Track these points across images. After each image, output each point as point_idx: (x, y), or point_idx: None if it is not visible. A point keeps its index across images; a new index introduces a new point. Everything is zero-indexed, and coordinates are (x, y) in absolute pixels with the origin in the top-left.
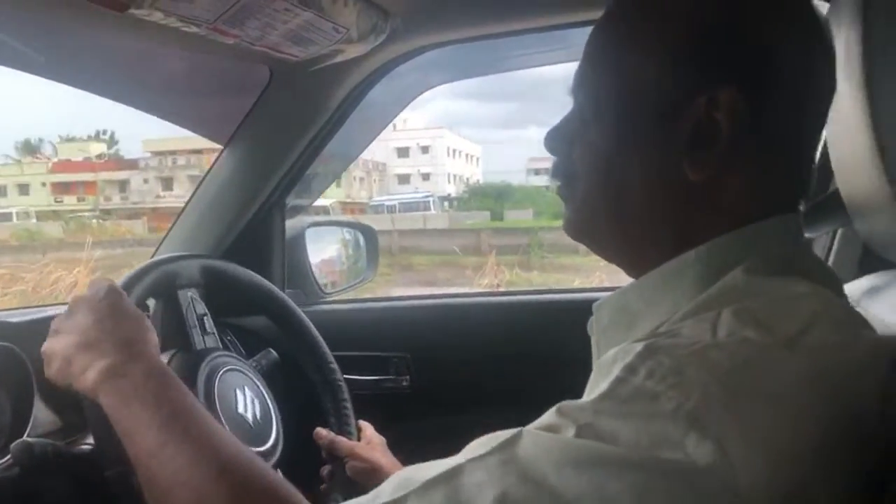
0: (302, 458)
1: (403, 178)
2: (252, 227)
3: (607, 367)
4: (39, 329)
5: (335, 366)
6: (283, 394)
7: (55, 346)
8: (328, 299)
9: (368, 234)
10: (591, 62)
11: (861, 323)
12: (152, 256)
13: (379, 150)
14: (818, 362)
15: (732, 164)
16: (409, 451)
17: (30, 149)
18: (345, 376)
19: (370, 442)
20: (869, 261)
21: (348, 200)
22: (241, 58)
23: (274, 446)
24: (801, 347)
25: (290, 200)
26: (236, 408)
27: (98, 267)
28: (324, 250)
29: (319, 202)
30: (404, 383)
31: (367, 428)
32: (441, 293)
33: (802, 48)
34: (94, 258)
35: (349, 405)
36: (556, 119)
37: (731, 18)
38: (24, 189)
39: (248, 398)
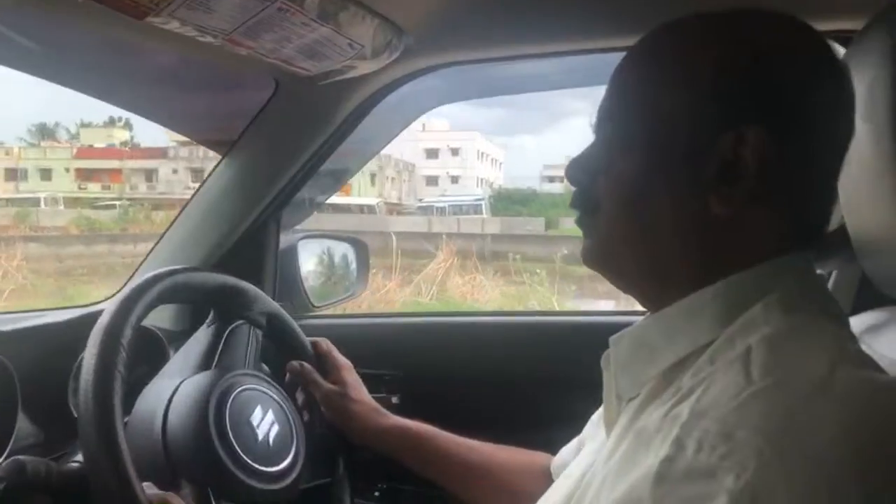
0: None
1: (431, 180)
2: (246, 239)
3: (648, 436)
4: (28, 338)
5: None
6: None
7: None
8: (318, 313)
9: (359, 248)
10: (619, 96)
11: (870, 362)
12: (139, 267)
13: (407, 150)
14: (852, 407)
15: (756, 200)
16: (398, 470)
17: (46, 133)
18: None
19: (343, 369)
20: (863, 298)
21: (394, 201)
22: (249, 68)
23: (291, 466)
24: (834, 390)
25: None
26: (250, 430)
27: None
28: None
29: (365, 201)
30: (394, 401)
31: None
32: (431, 311)
33: (827, 90)
34: None
35: None
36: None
37: (759, 59)
38: (45, 174)
39: (265, 418)
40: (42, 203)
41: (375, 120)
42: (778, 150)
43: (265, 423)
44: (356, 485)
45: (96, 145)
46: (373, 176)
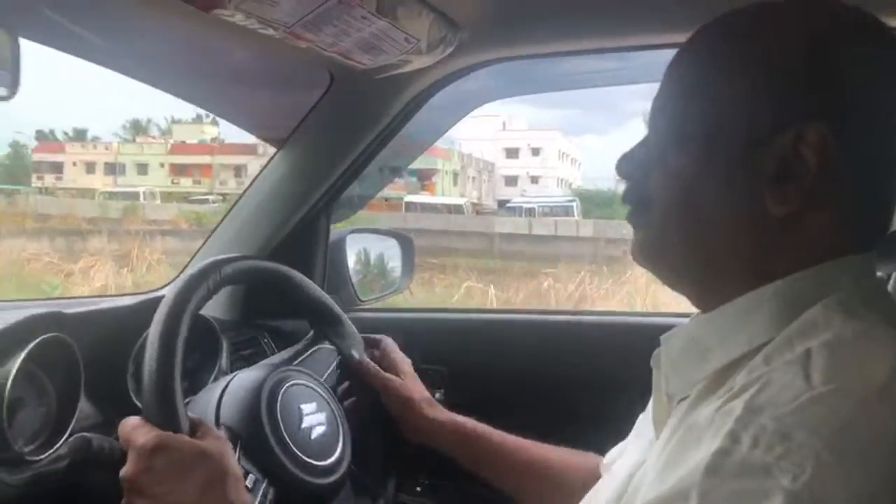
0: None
1: (511, 180)
2: (298, 231)
3: (699, 430)
4: (94, 320)
5: None
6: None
7: None
8: (364, 307)
9: (405, 243)
10: (674, 90)
11: None
12: (196, 254)
13: (487, 149)
14: None
15: (816, 200)
16: (441, 465)
17: (139, 129)
18: None
19: (400, 364)
20: None
21: (473, 201)
22: (307, 61)
23: (338, 461)
24: (893, 398)
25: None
26: (300, 423)
27: None
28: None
29: (453, 201)
30: (437, 396)
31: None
32: (474, 308)
33: (891, 85)
34: None
35: None
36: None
37: (818, 52)
38: (142, 168)
39: (314, 413)
40: (141, 197)
41: (428, 114)
42: (839, 148)
43: (314, 417)
44: (400, 480)
45: (188, 141)
46: (455, 175)
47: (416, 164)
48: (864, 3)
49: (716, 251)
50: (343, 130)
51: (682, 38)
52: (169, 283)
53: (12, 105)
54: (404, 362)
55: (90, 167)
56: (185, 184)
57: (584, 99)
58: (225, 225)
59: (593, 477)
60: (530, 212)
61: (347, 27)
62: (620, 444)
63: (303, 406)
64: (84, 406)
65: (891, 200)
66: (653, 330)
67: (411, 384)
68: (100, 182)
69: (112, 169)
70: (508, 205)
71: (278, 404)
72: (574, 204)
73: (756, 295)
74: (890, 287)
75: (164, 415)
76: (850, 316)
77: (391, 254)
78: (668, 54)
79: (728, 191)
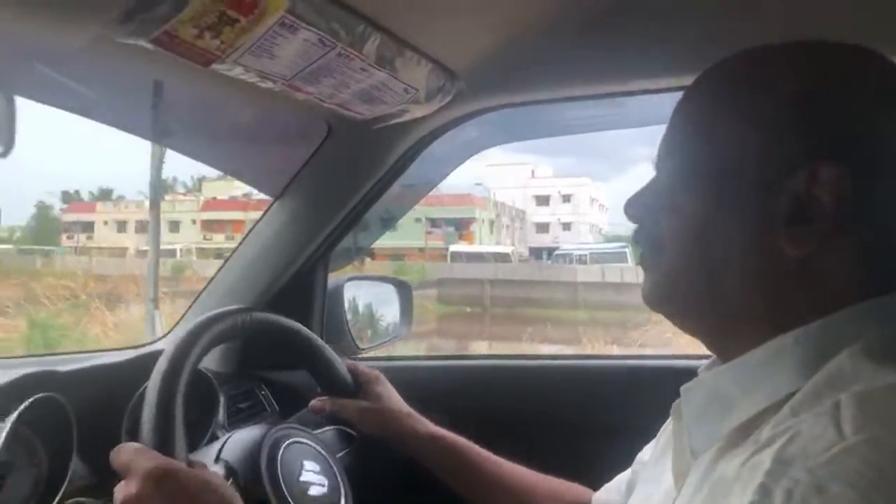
0: None
1: (542, 227)
2: (295, 280)
3: (726, 485)
4: (88, 378)
5: None
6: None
7: None
8: (363, 355)
9: (403, 289)
10: (682, 133)
11: None
12: (191, 305)
13: (518, 197)
14: None
15: (833, 241)
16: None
17: (165, 188)
18: None
19: (371, 382)
20: None
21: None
22: (305, 113)
23: None
24: None
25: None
26: (299, 475)
27: None
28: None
29: (500, 249)
30: None
31: (359, 368)
32: (479, 354)
33: None
34: None
35: None
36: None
37: (826, 91)
38: (174, 226)
39: (315, 470)
40: (178, 254)
41: (425, 162)
42: (853, 187)
43: (315, 476)
44: None
45: (219, 197)
46: (491, 223)
47: (455, 214)
48: (867, 41)
49: (730, 295)
50: (341, 180)
51: (685, 81)
52: (163, 337)
53: (35, 167)
54: (372, 378)
55: (121, 226)
56: (218, 239)
57: (580, 146)
58: (221, 277)
59: None
60: (581, 259)
61: (346, 79)
62: (617, 481)
63: (303, 464)
64: (77, 466)
65: None
66: (661, 372)
67: (385, 399)
68: (131, 240)
69: (143, 227)
70: (557, 252)
71: (279, 462)
72: (627, 250)
73: (778, 343)
74: None
75: (166, 443)
76: (879, 365)
77: (389, 300)
78: (671, 97)
79: (741, 233)
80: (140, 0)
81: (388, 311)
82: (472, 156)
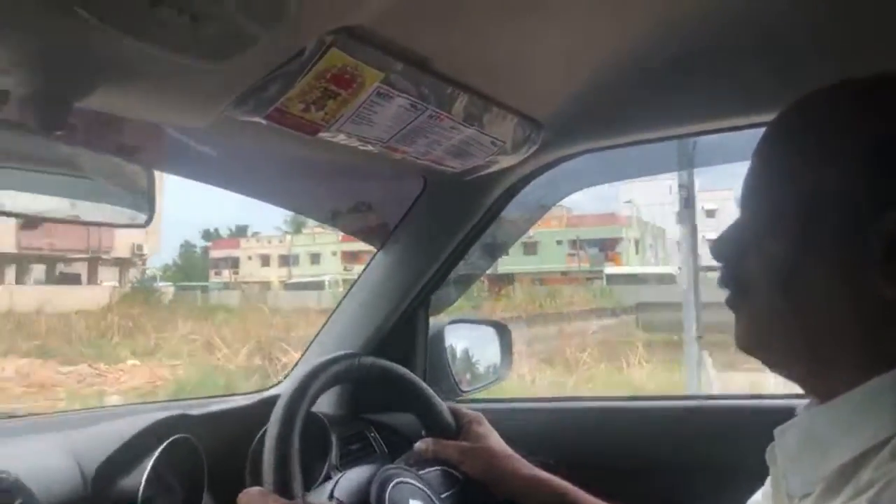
0: None
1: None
2: (399, 325)
3: None
4: (216, 420)
5: None
6: None
7: None
8: (465, 397)
9: (502, 332)
10: (764, 172)
11: None
12: (304, 352)
13: (657, 214)
14: None
15: None
16: None
17: (299, 222)
18: None
19: (472, 423)
20: None
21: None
22: (402, 169)
23: None
24: None
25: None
26: None
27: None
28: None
29: (663, 270)
30: None
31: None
32: (591, 396)
33: None
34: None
35: None
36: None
37: None
38: (315, 258)
39: None
40: (326, 286)
41: (518, 208)
42: None
43: None
44: None
45: None
46: (637, 242)
47: (599, 234)
48: None
49: (823, 337)
50: (437, 228)
51: (766, 117)
52: (280, 383)
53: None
54: (474, 419)
55: (265, 260)
56: (357, 269)
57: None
58: (331, 324)
59: None
60: None
61: (438, 137)
62: None
63: (412, 501)
64: (208, 502)
65: None
66: (768, 413)
67: (486, 440)
68: (274, 273)
69: (286, 260)
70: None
71: (387, 493)
72: None
73: (877, 384)
74: None
75: (284, 484)
76: None
77: (489, 342)
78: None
79: (831, 275)
80: (254, 84)
81: (489, 353)
82: (561, 199)
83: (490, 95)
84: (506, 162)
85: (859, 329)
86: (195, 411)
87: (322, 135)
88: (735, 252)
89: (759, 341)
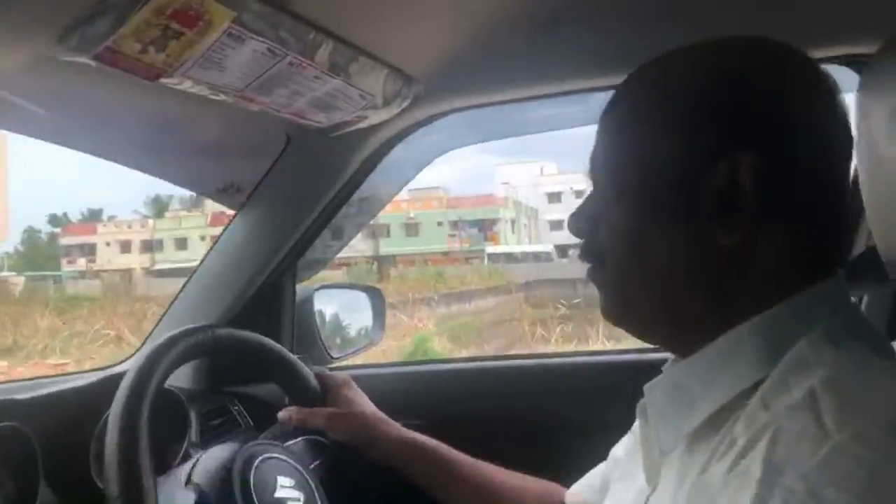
0: None
1: (556, 224)
2: (262, 293)
3: (712, 493)
4: (50, 403)
5: None
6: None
7: None
8: (336, 364)
9: (374, 295)
10: (604, 144)
11: None
12: (155, 325)
13: (530, 195)
14: None
15: (765, 227)
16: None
17: (161, 205)
18: None
19: (341, 388)
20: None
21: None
22: (261, 123)
23: None
24: None
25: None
26: (274, 497)
27: None
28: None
29: (540, 248)
30: None
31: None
32: (455, 358)
33: (812, 104)
34: None
35: None
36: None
37: (734, 83)
38: (180, 243)
39: (289, 485)
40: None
41: (387, 168)
42: (773, 170)
43: (290, 492)
44: None
45: (227, 211)
46: (513, 222)
47: (477, 215)
48: (804, 38)
49: (678, 297)
50: (302, 189)
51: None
52: (128, 358)
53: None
54: (342, 384)
55: (125, 246)
56: None
57: (556, 149)
58: (184, 295)
59: None
60: None
61: (300, 88)
62: (589, 477)
63: (277, 479)
64: (45, 494)
65: (844, 222)
66: (634, 367)
67: (355, 405)
68: (136, 260)
69: (149, 246)
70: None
71: (251, 478)
72: None
73: (734, 335)
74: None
75: (130, 467)
76: (840, 349)
77: (362, 307)
78: None
79: (674, 235)
80: (78, 17)
81: (361, 317)
82: (435, 158)
83: (358, 45)
84: (376, 118)
85: (710, 284)
86: (23, 395)
87: (165, 80)
88: (590, 225)
89: (621, 310)
